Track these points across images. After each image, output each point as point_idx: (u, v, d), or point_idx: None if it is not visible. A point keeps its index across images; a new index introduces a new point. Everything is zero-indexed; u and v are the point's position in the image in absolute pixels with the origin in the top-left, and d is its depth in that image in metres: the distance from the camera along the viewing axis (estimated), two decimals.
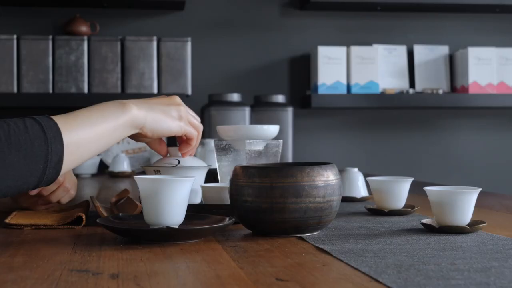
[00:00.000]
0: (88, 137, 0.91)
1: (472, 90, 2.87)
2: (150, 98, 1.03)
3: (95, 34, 2.82)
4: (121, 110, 0.95)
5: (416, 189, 1.43)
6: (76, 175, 2.32)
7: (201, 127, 1.08)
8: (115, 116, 0.94)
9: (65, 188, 1.17)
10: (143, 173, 1.24)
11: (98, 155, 0.98)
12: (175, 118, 1.02)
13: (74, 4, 2.84)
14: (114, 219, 0.94)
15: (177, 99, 1.05)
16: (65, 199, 1.19)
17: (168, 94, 1.08)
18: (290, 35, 2.98)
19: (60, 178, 1.14)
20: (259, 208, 0.89)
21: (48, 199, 1.17)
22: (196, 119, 1.07)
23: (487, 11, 3.05)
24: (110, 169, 2.40)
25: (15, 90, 2.63)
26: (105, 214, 1.02)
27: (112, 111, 0.95)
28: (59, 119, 0.88)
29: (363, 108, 2.90)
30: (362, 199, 1.35)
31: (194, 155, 1.14)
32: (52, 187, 1.15)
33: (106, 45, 2.69)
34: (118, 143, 2.64)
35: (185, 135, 1.06)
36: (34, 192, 1.12)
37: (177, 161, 1.10)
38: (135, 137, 1.01)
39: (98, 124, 0.92)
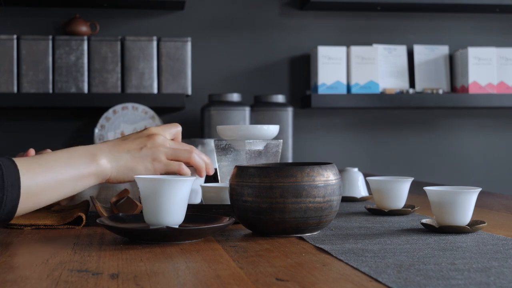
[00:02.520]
0: (48, 184, 0.90)
1: (472, 90, 2.87)
2: (125, 139, 0.99)
3: (95, 34, 2.82)
4: (89, 162, 0.94)
5: (416, 189, 1.43)
6: None
7: (189, 155, 1.01)
8: (81, 166, 0.93)
9: None
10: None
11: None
12: (150, 162, 0.98)
13: (74, 4, 2.84)
14: (114, 219, 0.94)
15: (157, 139, 0.99)
16: (64, 201, 1.19)
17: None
18: (290, 35, 2.98)
19: None
20: (259, 208, 0.89)
21: None
22: (185, 153, 1.01)
23: (487, 11, 3.05)
24: None
25: (15, 90, 2.63)
26: (105, 214, 1.02)
27: (79, 161, 0.93)
28: (22, 163, 0.87)
29: (363, 108, 2.90)
30: (362, 199, 1.35)
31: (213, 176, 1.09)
32: None
33: (106, 45, 2.69)
34: None
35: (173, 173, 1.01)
36: None
37: None
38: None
39: (62, 172, 0.91)
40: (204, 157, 1.03)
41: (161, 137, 1.01)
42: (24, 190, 0.87)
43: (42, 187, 0.89)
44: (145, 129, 1.02)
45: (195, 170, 1.04)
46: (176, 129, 1.05)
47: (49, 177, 0.90)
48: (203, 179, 1.09)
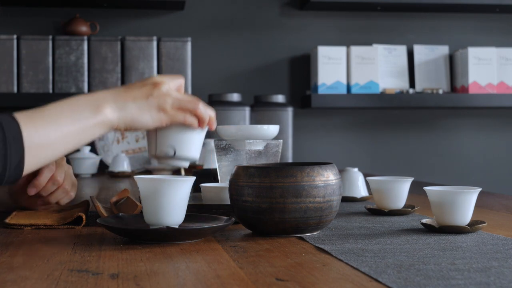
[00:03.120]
0: (53, 137, 0.86)
1: (472, 90, 2.87)
2: (130, 87, 0.95)
3: (95, 34, 2.81)
4: (93, 112, 0.90)
5: (416, 189, 1.43)
6: (76, 175, 2.32)
7: (195, 106, 0.97)
8: (85, 117, 0.89)
9: (64, 190, 1.16)
10: (143, 173, 1.24)
11: (74, 151, 0.92)
12: (155, 111, 0.94)
13: (74, 4, 2.84)
14: (114, 219, 0.94)
15: (162, 87, 0.95)
16: (64, 201, 1.18)
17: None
18: (290, 35, 2.98)
19: (59, 179, 1.14)
20: (259, 208, 0.89)
21: (47, 200, 1.17)
22: (191, 103, 0.97)
23: (487, 11, 3.05)
24: (110, 169, 2.40)
25: (15, 90, 2.63)
26: (105, 214, 1.02)
27: (83, 112, 0.89)
28: (23, 118, 0.84)
29: (363, 108, 2.90)
30: (362, 199, 1.35)
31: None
32: (51, 188, 1.14)
33: (106, 45, 2.69)
34: (117, 142, 2.64)
35: (178, 124, 0.97)
36: (32, 192, 1.12)
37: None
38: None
39: (66, 124, 0.87)
40: (209, 110, 1.00)
41: (167, 86, 0.96)
42: (28, 144, 0.83)
43: (46, 140, 0.86)
44: (149, 77, 0.98)
45: (198, 121, 0.99)
46: (180, 81, 1.00)
47: (52, 129, 0.86)
48: (204, 131, 1.04)
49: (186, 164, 1.04)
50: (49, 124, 0.86)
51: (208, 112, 0.98)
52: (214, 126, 1.01)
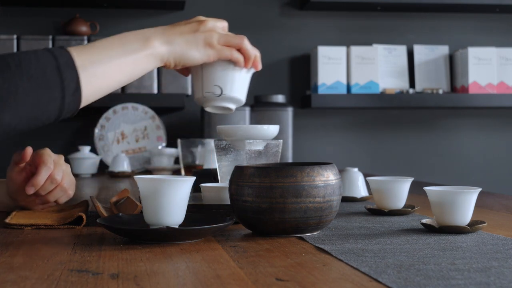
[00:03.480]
0: (106, 66, 0.87)
1: (472, 90, 2.87)
2: (176, 25, 0.96)
3: (95, 34, 2.81)
4: (144, 44, 0.91)
5: (416, 189, 1.43)
6: (76, 175, 2.32)
7: (241, 41, 0.98)
8: (136, 49, 0.90)
9: (63, 188, 1.16)
10: (143, 173, 1.24)
11: (124, 85, 0.93)
12: (202, 46, 0.95)
13: (74, 4, 2.84)
14: (114, 219, 0.94)
15: (208, 23, 0.97)
16: (62, 199, 1.18)
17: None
18: (290, 35, 2.98)
19: (57, 177, 1.14)
20: (259, 208, 0.89)
21: (46, 199, 1.16)
22: (237, 39, 0.98)
23: (487, 11, 3.05)
24: (110, 169, 2.40)
25: None
26: (105, 214, 1.02)
27: (133, 44, 0.90)
28: (73, 49, 0.85)
29: (363, 108, 2.90)
30: (362, 199, 1.35)
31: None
32: (49, 186, 1.14)
33: None
34: (117, 142, 2.64)
35: (225, 59, 0.98)
36: (31, 191, 1.12)
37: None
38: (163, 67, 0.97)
39: (118, 55, 0.88)
40: (255, 49, 1.01)
41: (212, 22, 0.98)
42: (82, 71, 0.84)
43: (99, 69, 0.86)
44: (194, 17, 1.00)
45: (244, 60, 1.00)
46: (224, 22, 1.01)
47: (104, 59, 0.87)
48: (250, 73, 1.05)
49: (233, 107, 1.03)
50: (101, 55, 0.87)
51: (254, 50, 1.00)
52: (259, 66, 1.02)
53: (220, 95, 1.01)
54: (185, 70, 1.03)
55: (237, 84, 1.02)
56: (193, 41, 0.95)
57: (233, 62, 0.99)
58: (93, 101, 0.88)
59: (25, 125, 0.82)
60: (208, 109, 1.05)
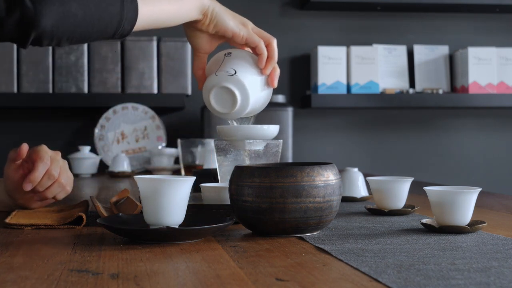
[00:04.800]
0: (158, 8, 0.99)
1: (472, 90, 2.87)
2: None
3: None
4: None
5: (416, 189, 1.43)
6: (76, 175, 2.33)
7: (271, 38, 1.11)
8: None
9: (60, 184, 1.15)
10: (143, 173, 1.24)
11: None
12: (239, 21, 1.09)
13: None
14: (114, 219, 0.94)
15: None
16: (60, 195, 1.17)
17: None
18: (290, 35, 2.98)
19: (54, 173, 1.13)
20: (259, 208, 0.89)
21: (44, 195, 1.15)
22: (268, 34, 1.10)
23: (487, 11, 3.05)
24: (110, 169, 2.40)
25: (15, 90, 2.63)
26: (105, 214, 1.02)
27: None
28: None
29: (363, 108, 2.90)
30: (362, 199, 1.35)
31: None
32: (47, 182, 1.13)
33: (106, 45, 2.69)
34: (117, 142, 2.64)
35: (246, 42, 1.09)
36: (28, 187, 1.11)
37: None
38: (194, 27, 1.07)
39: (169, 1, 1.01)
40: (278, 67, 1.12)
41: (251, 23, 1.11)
42: (140, 6, 0.96)
43: (153, 8, 0.98)
44: None
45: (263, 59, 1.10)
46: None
47: (156, 3, 0.99)
48: (266, 78, 1.12)
49: (239, 96, 1.06)
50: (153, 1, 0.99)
51: (277, 57, 1.11)
52: (275, 82, 1.14)
53: (232, 75, 1.04)
54: (208, 44, 1.11)
55: (252, 78, 1.06)
56: (232, 14, 1.09)
57: (256, 55, 1.09)
58: (141, 29, 1.00)
59: (89, 22, 0.90)
60: (212, 99, 1.06)
